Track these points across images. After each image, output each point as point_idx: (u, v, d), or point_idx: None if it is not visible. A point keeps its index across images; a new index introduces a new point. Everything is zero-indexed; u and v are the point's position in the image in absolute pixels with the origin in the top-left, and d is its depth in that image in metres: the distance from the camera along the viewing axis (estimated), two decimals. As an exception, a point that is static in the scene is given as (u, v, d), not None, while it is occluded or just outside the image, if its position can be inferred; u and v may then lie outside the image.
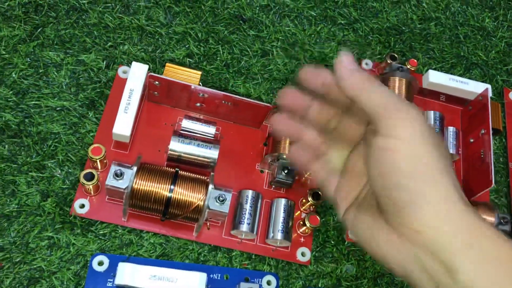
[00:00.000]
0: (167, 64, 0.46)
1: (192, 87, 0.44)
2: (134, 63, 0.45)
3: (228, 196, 0.42)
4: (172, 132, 0.44)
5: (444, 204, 0.28)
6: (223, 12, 0.55)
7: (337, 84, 0.31)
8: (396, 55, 0.54)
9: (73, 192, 0.43)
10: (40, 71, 0.47)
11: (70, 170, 0.44)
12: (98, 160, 0.42)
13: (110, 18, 0.51)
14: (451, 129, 0.52)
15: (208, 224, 0.44)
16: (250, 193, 0.45)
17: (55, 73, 0.48)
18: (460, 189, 0.29)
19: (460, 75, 0.58)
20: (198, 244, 0.44)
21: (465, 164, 0.52)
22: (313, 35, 0.57)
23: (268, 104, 0.45)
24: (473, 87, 0.54)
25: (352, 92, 0.30)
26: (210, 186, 0.42)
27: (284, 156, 0.45)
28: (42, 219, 0.42)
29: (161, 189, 0.41)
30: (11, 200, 0.42)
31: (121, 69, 0.49)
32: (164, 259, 0.43)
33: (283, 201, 0.45)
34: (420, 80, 0.54)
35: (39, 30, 0.49)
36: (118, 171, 0.40)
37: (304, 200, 0.47)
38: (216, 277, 0.43)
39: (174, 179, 0.41)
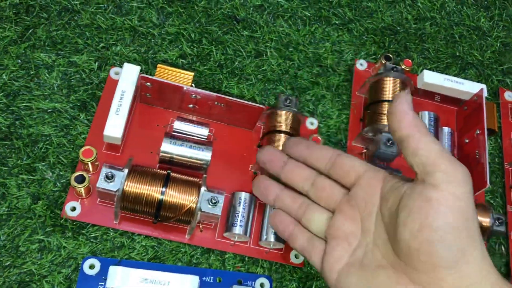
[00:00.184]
0: (158, 65, 0.45)
1: (185, 88, 0.44)
2: (125, 64, 0.45)
3: (221, 198, 0.42)
4: (164, 134, 0.44)
5: (480, 264, 0.28)
6: (216, 13, 0.55)
7: (392, 120, 0.31)
8: (390, 56, 0.53)
9: (64, 195, 0.43)
10: (31, 72, 0.47)
11: (61, 173, 0.44)
12: (89, 163, 0.42)
13: (102, 19, 0.51)
14: (446, 129, 0.52)
15: (200, 226, 0.44)
16: (243, 195, 0.44)
17: (47, 75, 0.47)
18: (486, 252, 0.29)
19: (455, 75, 0.58)
20: (191, 246, 0.44)
21: (460, 165, 0.52)
22: (307, 36, 0.56)
23: (262, 105, 0.45)
24: (468, 87, 0.53)
25: (407, 131, 0.30)
26: (203, 188, 0.41)
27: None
28: (33, 222, 0.42)
29: (153, 191, 0.40)
30: (1, 203, 0.42)
31: (113, 70, 0.48)
32: (156, 262, 0.43)
33: (276, 203, 0.45)
34: (415, 81, 0.54)
35: (30, 31, 0.49)
36: (109, 173, 0.40)
37: (297, 202, 0.46)
38: (208, 280, 0.43)
39: (166, 181, 0.41)
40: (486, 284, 0.27)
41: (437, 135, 0.50)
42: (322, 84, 0.54)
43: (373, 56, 0.57)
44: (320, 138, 0.47)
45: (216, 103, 0.45)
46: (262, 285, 0.43)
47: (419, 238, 0.28)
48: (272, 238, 0.43)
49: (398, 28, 0.60)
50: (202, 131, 0.46)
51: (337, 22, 0.58)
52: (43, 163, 0.44)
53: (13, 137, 0.44)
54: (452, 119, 0.55)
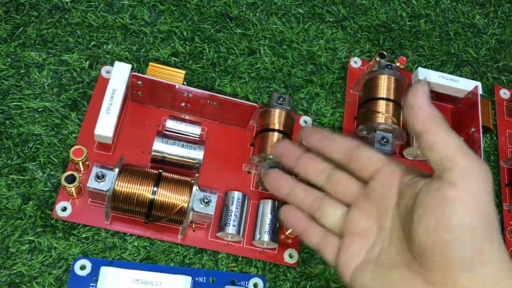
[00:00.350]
0: (150, 63, 0.45)
1: (176, 86, 0.44)
2: (116, 62, 0.45)
3: (213, 198, 0.41)
4: (156, 133, 0.43)
5: (498, 265, 0.26)
6: (209, 10, 0.54)
7: (407, 112, 0.29)
8: (385, 53, 0.53)
9: (55, 195, 0.42)
10: (22, 71, 0.46)
11: (52, 173, 0.43)
12: (80, 162, 0.41)
13: (94, 17, 0.50)
14: (441, 127, 0.51)
15: (193, 226, 0.43)
16: (236, 194, 0.44)
17: (37, 74, 0.47)
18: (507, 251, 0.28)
19: (450, 73, 0.58)
20: (183, 246, 0.43)
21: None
22: (301, 33, 0.56)
23: (255, 104, 0.44)
24: (463, 85, 0.53)
25: (425, 125, 0.28)
26: (195, 188, 0.41)
27: (271, 156, 0.44)
28: (23, 222, 0.41)
29: (144, 191, 0.40)
30: (-9, 204, 0.41)
31: (104, 69, 0.48)
32: (148, 263, 0.42)
33: (270, 202, 0.44)
34: (409, 78, 0.54)
35: (20, 29, 0.48)
36: (100, 173, 0.40)
37: (291, 201, 0.46)
38: (201, 280, 0.42)
39: (157, 180, 0.40)
40: (501, 285, 0.26)
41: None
42: (316, 82, 0.53)
43: (368, 54, 0.57)
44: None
45: (208, 101, 0.45)
46: (255, 285, 0.43)
47: (433, 237, 0.27)
48: (265, 237, 0.43)
49: (393, 25, 0.60)
50: (195, 130, 0.45)
51: (331, 19, 0.58)
52: (33, 163, 0.43)
53: (3, 137, 0.44)
54: (447, 117, 0.55)
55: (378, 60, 0.53)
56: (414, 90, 0.29)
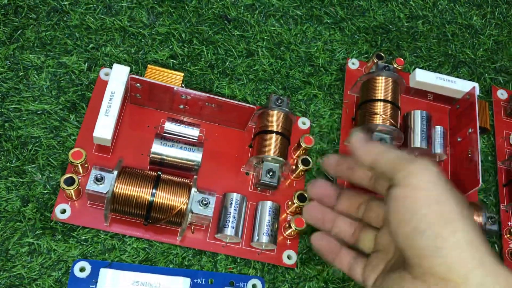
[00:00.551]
0: (148, 65, 0.45)
1: (175, 88, 0.44)
2: (115, 65, 0.45)
3: (212, 200, 0.41)
4: (155, 135, 0.44)
5: (467, 249, 0.27)
6: (207, 12, 0.54)
7: (354, 155, 0.33)
8: (382, 54, 0.53)
9: (54, 197, 0.43)
10: (20, 74, 0.47)
11: (51, 175, 0.43)
12: (79, 165, 0.42)
13: (92, 19, 0.51)
14: (438, 128, 0.51)
15: (192, 228, 0.44)
16: (234, 196, 0.44)
17: (36, 76, 0.47)
18: (480, 233, 0.28)
19: (447, 74, 0.58)
20: (182, 248, 0.43)
21: (453, 163, 0.52)
22: (299, 35, 0.56)
23: (253, 106, 0.45)
24: (461, 86, 0.53)
25: (369, 157, 0.32)
26: (193, 190, 0.41)
27: (269, 158, 0.44)
28: (23, 225, 0.41)
29: (143, 193, 0.40)
30: (-10, 206, 0.41)
31: (103, 71, 0.48)
32: (147, 264, 0.42)
33: (268, 204, 0.45)
34: (407, 79, 0.54)
35: (18, 32, 0.48)
36: (99, 175, 0.40)
37: (290, 202, 0.46)
38: (200, 282, 0.42)
39: (156, 182, 0.41)
40: (478, 271, 0.27)
41: (429, 133, 0.50)
42: (314, 84, 0.54)
43: (365, 55, 0.57)
44: (312, 138, 0.47)
45: (207, 103, 0.45)
46: (254, 286, 0.43)
47: (399, 234, 0.29)
48: (264, 239, 0.43)
49: (390, 26, 0.60)
50: (193, 132, 0.46)
51: (329, 21, 0.58)
52: (32, 165, 0.43)
53: (2, 139, 0.44)
54: (444, 117, 0.55)
55: (375, 61, 0.53)
56: (350, 141, 0.34)
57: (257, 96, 0.52)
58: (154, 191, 0.40)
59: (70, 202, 0.42)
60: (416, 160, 0.30)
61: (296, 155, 0.49)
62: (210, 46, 0.53)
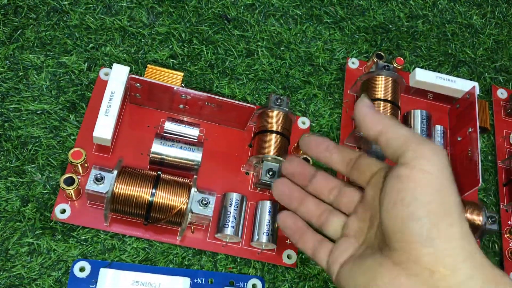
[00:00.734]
0: (148, 65, 0.45)
1: (175, 88, 0.44)
2: (115, 64, 0.45)
3: (212, 199, 0.41)
4: (155, 135, 0.44)
5: (460, 242, 0.27)
6: (207, 12, 0.54)
7: (359, 124, 0.32)
8: (382, 54, 0.53)
9: (54, 197, 0.43)
10: (20, 74, 0.47)
11: (50, 175, 0.43)
12: (79, 164, 0.42)
13: (92, 19, 0.51)
14: (438, 127, 0.51)
15: (192, 227, 0.44)
16: (234, 195, 0.44)
17: (35, 76, 0.47)
18: (469, 227, 0.28)
19: (447, 73, 0.58)
20: (182, 248, 0.43)
21: (453, 163, 0.52)
22: (298, 34, 0.56)
23: (253, 105, 0.45)
24: (461, 85, 0.53)
25: (376, 127, 0.31)
26: (193, 189, 0.41)
27: (269, 158, 0.44)
28: (22, 225, 0.41)
29: (143, 193, 0.40)
30: (-10, 206, 0.41)
31: (102, 71, 0.48)
32: (147, 264, 0.42)
33: (268, 203, 0.45)
34: (407, 79, 0.54)
35: (18, 32, 0.48)
36: (98, 175, 0.40)
37: (290, 202, 0.46)
38: (200, 282, 0.42)
39: (156, 182, 0.41)
40: (467, 263, 0.27)
41: (429, 133, 0.50)
42: (314, 83, 0.54)
43: (365, 55, 0.57)
44: (311, 138, 0.47)
45: (206, 103, 0.45)
46: (254, 286, 0.43)
47: (392, 216, 0.28)
48: (264, 239, 0.43)
49: (390, 26, 0.60)
50: (193, 132, 0.46)
51: (328, 20, 0.58)
52: (32, 165, 0.43)
53: (1, 139, 0.44)
54: (444, 117, 0.55)
55: (375, 61, 0.53)
56: (356, 106, 0.33)
57: (257, 95, 0.52)
58: (154, 191, 0.40)
59: (70, 202, 0.42)
60: (428, 143, 0.29)
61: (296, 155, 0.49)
62: (210, 46, 0.53)
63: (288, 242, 0.45)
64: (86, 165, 0.43)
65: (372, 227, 0.33)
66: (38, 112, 0.45)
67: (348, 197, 0.36)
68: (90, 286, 0.40)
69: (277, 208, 0.45)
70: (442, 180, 0.28)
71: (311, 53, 0.55)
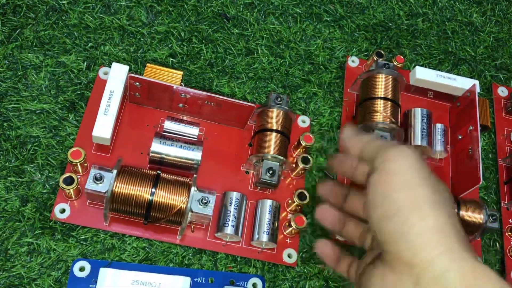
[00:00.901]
0: (147, 64, 0.45)
1: (174, 87, 0.44)
2: (114, 64, 0.45)
3: (212, 199, 0.41)
4: (154, 134, 0.43)
5: (435, 235, 0.27)
6: (206, 11, 0.54)
7: (345, 148, 0.34)
8: (382, 52, 0.53)
9: (54, 197, 0.42)
10: (19, 73, 0.46)
11: (50, 174, 0.43)
12: (78, 164, 0.41)
13: (91, 18, 0.50)
14: (439, 126, 0.51)
15: (192, 227, 0.44)
16: (234, 194, 0.44)
17: (34, 75, 0.47)
18: (454, 221, 0.28)
19: (448, 71, 0.58)
20: (182, 247, 0.43)
21: (454, 161, 0.52)
22: (298, 33, 0.56)
23: (253, 104, 0.44)
24: (461, 83, 0.53)
25: (356, 147, 0.33)
26: (193, 189, 0.41)
27: (269, 157, 0.44)
28: (22, 224, 0.41)
29: (142, 192, 0.40)
30: (-10, 206, 0.41)
31: (102, 70, 0.48)
32: (147, 264, 0.42)
33: (268, 202, 0.44)
34: (407, 77, 0.54)
35: (17, 31, 0.48)
36: (98, 174, 0.40)
37: (290, 201, 0.46)
38: (200, 281, 0.42)
39: (156, 181, 0.40)
40: (444, 256, 0.27)
41: (430, 131, 0.50)
42: (314, 82, 0.53)
43: (365, 53, 0.57)
44: (311, 136, 0.47)
45: (206, 102, 0.45)
46: (254, 285, 0.43)
47: (372, 219, 0.30)
48: (264, 238, 0.43)
49: (390, 24, 0.60)
50: (193, 131, 0.45)
51: (328, 19, 0.58)
52: (31, 165, 0.43)
53: (1, 139, 0.44)
54: (445, 115, 0.55)
55: (375, 59, 0.53)
56: (341, 133, 0.35)
57: (256, 94, 0.51)
58: (153, 190, 0.40)
59: (69, 201, 0.42)
60: (395, 147, 0.31)
61: (296, 153, 0.49)
62: (209, 45, 0.52)
63: (288, 241, 0.45)
64: (85, 164, 0.43)
65: None
66: (37, 111, 0.45)
67: None
68: (90, 286, 0.40)
69: (277, 207, 0.45)
70: (409, 177, 0.29)
71: (311, 51, 0.55)
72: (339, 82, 0.54)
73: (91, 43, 0.49)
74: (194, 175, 0.42)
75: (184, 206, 0.40)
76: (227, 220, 0.43)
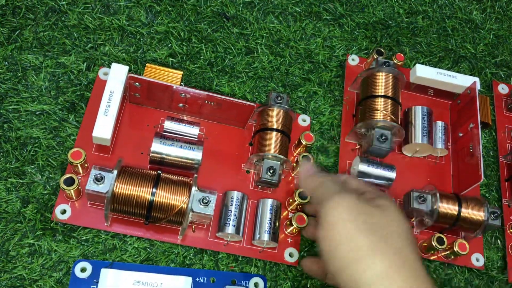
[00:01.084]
0: (147, 64, 0.45)
1: (174, 87, 0.44)
2: (114, 64, 0.45)
3: (212, 198, 0.41)
4: (154, 134, 0.43)
5: (380, 283, 0.30)
6: (206, 10, 0.54)
7: (299, 184, 0.39)
8: (382, 50, 0.53)
9: (54, 198, 0.42)
10: (19, 74, 0.46)
11: (50, 175, 0.43)
12: (78, 165, 0.41)
13: (90, 19, 0.50)
14: (439, 123, 0.51)
15: (193, 226, 0.43)
16: (235, 194, 0.44)
17: (34, 77, 0.47)
18: (406, 260, 0.30)
19: (448, 69, 0.57)
20: (184, 247, 0.43)
21: (455, 159, 0.52)
22: (298, 32, 0.56)
23: (253, 103, 0.44)
24: (461, 81, 0.53)
25: (308, 192, 0.38)
26: (193, 188, 0.41)
27: (270, 156, 0.44)
28: (23, 226, 0.41)
29: (143, 192, 0.40)
30: (-10, 208, 0.41)
31: (101, 71, 0.48)
32: (149, 264, 0.42)
33: (269, 202, 0.44)
34: (407, 75, 0.54)
35: (17, 32, 0.48)
36: (98, 175, 0.40)
37: (291, 200, 0.46)
38: (202, 281, 0.42)
39: (156, 181, 0.40)
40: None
41: (430, 129, 0.50)
42: (314, 80, 0.53)
43: (365, 51, 0.57)
44: (312, 135, 0.47)
45: (206, 101, 0.45)
46: (256, 284, 0.43)
47: (330, 273, 0.33)
48: (265, 237, 0.43)
49: (390, 22, 0.59)
50: (193, 130, 0.45)
51: (328, 17, 0.58)
52: (32, 166, 0.43)
53: (1, 140, 0.44)
54: (445, 113, 0.55)
55: (375, 57, 0.53)
56: (300, 167, 0.39)
57: (256, 93, 0.51)
58: (154, 190, 0.40)
59: (70, 202, 0.42)
60: (333, 197, 0.33)
61: (296, 152, 0.49)
62: (209, 44, 0.52)
63: (289, 240, 0.45)
64: (86, 165, 0.43)
65: None
66: (38, 112, 0.45)
67: None
68: (92, 286, 0.40)
69: (278, 206, 0.45)
70: (348, 229, 0.31)
71: (310, 50, 0.55)
72: (339, 81, 0.54)
73: (91, 44, 0.49)
74: (195, 175, 0.42)
75: (185, 206, 0.40)
76: (228, 219, 0.43)
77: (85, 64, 0.48)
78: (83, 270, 0.40)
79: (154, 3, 0.53)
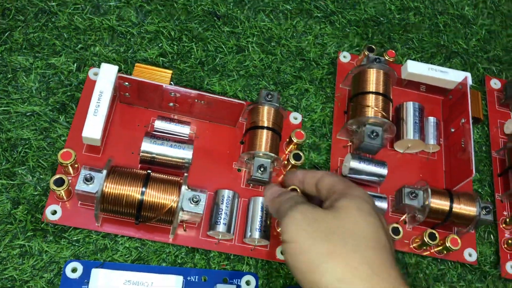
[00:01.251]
0: (136, 64, 0.45)
1: (163, 86, 0.44)
2: (103, 64, 0.45)
3: (203, 197, 0.41)
4: (144, 134, 0.43)
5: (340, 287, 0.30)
6: (196, 9, 0.54)
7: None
8: (373, 47, 0.53)
9: (45, 199, 0.42)
10: (9, 76, 0.46)
11: (41, 176, 0.43)
12: (68, 165, 0.41)
13: (80, 19, 0.50)
14: (431, 119, 0.51)
15: (184, 225, 0.43)
16: (226, 192, 0.44)
17: (24, 78, 0.47)
18: (364, 262, 0.31)
19: (440, 65, 0.57)
20: (175, 246, 0.43)
21: (447, 154, 0.52)
22: (289, 29, 0.56)
23: (242, 102, 0.44)
24: (453, 76, 0.53)
25: (273, 215, 0.39)
26: (184, 187, 0.41)
27: (260, 154, 0.44)
28: (13, 227, 0.41)
29: (133, 191, 0.40)
30: (-19, 209, 0.41)
31: (92, 71, 0.48)
32: (140, 263, 0.42)
33: (260, 200, 0.44)
34: (398, 71, 0.54)
35: (6, 34, 0.48)
36: (88, 175, 0.40)
37: (282, 198, 0.46)
38: (193, 279, 0.42)
39: (146, 181, 0.40)
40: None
41: (422, 125, 0.50)
42: (305, 78, 0.53)
43: (357, 48, 0.57)
44: (303, 133, 0.47)
45: (196, 100, 0.45)
46: (248, 282, 0.43)
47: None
48: (256, 235, 0.43)
49: (382, 19, 0.59)
50: (184, 130, 0.45)
51: (319, 14, 0.58)
52: (22, 167, 0.43)
53: (-9, 142, 0.44)
54: (437, 108, 0.55)
55: (366, 54, 0.52)
56: (266, 191, 0.40)
57: (248, 92, 0.51)
58: (143, 189, 0.40)
59: (60, 203, 0.42)
60: (287, 212, 0.34)
61: (288, 150, 0.49)
62: (199, 43, 0.52)
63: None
64: (76, 165, 0.43)
65: None
66: (28, 114, 0.45)
67: None
68: (83, 286, 0.40)
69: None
70: (302, 241, 0.32)
71: (302, 48, 0.55)
72: (331, 78, 0.54)
73: (81, 44, 0.49)
74: (185, 174, 0.42)
75: (175, 204, 0.40)
76: (219, 218, 0.43)
77: (75, 64, 0.48)
78: (74, 270, 0.40)
79: (144, 2, 0.53)
